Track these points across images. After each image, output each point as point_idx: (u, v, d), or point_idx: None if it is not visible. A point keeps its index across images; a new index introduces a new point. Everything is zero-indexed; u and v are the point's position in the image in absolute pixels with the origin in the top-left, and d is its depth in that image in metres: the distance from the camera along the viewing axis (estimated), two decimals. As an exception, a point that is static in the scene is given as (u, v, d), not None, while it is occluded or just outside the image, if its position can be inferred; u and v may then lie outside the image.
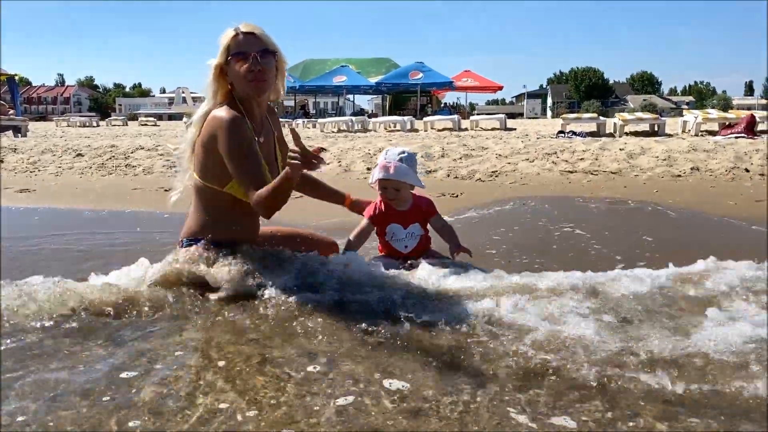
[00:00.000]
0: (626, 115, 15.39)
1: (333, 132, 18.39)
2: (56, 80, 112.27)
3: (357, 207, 3.07)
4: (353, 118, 19.99)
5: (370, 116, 26.94)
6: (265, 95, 2.57)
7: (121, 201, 5.87)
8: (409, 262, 2.84)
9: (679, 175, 6.84)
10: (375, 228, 2.99)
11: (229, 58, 2.46)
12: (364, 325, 2.07)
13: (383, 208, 2.98)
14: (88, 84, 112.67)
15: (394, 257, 2.94)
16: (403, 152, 2.94)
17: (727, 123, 13.21)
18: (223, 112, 2.43)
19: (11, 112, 17.93)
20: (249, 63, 2.44)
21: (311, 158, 2.17)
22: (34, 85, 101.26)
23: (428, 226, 3.01)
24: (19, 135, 16.35)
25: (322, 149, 2.23)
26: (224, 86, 2.54)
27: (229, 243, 2.53)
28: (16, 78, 33.87)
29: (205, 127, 2.47)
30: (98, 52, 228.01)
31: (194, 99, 31.42)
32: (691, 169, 7.09)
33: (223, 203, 2.52)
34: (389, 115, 30.58)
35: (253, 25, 2.51)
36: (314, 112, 37.55)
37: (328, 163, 2.89)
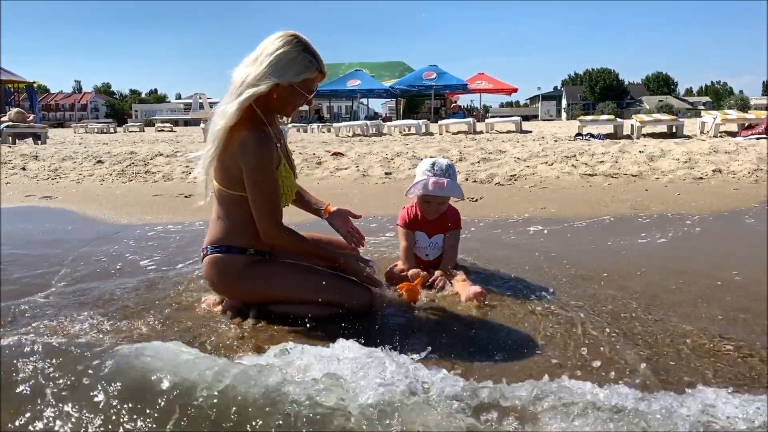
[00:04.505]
0: (643, 117, 15.23)
1: (348, 136, 18.44)
2: (74, 87, 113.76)
3: (337, 218, 2.84)
4: (368, 122, 20.00)
5: (384, 120, 27.00)
6: None
7: (142, 207, 5.91)
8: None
9: (701, 178, 6.75)
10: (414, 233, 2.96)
11: (298, 87, 2.47)
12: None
13: (414, 214, 2.97)
14: (105, 90, 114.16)
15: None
16: (450, 165, 2.88)
17: (747, 124, 13.04)
18: (250, 129, 2.40)
19: (30, 118, 18.12)
20: (309, 101, 2.56)
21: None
22: (52, 92, 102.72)
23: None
24: (39, 142, 16.56)
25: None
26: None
27: (255, 249, 2.54)
28: (35, 85, 34.37)
29: (231, 140, 2.42)
30: (114, 59, 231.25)
31: (211, 105, 31.71)
32: (713, 171, 6.99)
33: (246, 209, 2.48)
34: (403, 118, 30.61)
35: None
36: (328, 116, 37.73)
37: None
